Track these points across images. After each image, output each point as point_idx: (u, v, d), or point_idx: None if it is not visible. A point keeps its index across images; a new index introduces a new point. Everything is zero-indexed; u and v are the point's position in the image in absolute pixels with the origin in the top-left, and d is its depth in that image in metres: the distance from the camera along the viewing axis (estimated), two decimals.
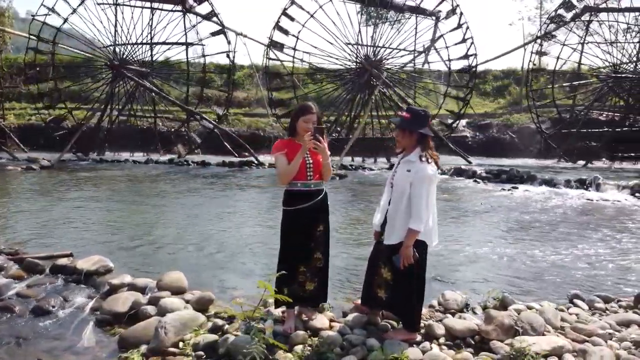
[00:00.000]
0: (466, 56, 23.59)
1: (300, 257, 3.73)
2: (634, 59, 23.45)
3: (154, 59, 26.00)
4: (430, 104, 26.14)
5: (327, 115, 27.02)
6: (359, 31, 23.58)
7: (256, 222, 8.98)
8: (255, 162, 20.56)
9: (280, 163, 3.65)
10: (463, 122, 28.60)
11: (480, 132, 28.92)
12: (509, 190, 14.34)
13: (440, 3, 23.62)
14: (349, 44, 23.01)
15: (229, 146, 24.15)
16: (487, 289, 4.71)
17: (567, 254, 6.87)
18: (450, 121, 25.17)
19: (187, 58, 26.30)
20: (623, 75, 23.30)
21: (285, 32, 23.16)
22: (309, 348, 3.46)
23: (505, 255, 6.74)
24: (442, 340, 3.65)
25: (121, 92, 25.82)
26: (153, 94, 24.81)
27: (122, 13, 25.19)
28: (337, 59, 23.37)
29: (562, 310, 4.18)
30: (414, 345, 3.52)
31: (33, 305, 4.37)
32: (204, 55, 26.25)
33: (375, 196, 12.96)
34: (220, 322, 3.83)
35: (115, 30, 24.08)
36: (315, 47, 23.23)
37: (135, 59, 25.09)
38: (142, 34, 25.14)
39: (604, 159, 24.34)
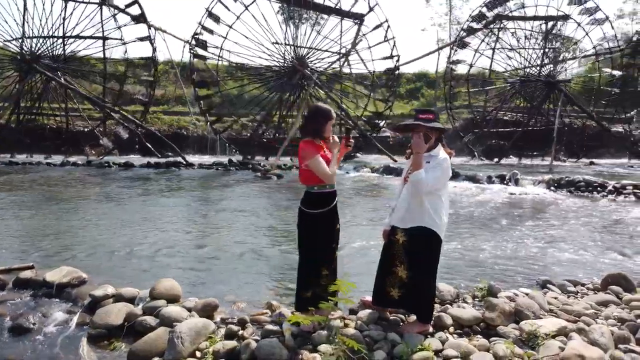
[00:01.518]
0: (390, 56, 24.55)
1: (325, 259, 3.75)
2: (537, 63, 25.86)
3: (66, 53, 24.05)
4: (354, 105, 26.87)
5: (254, 115, 26.80)
6: (286, 31, 23.63)
7: (199, 225, 8.70)
8: (184, 162, 19.82)
9: (322, 164, 3.62)
10: (383, 122, 29.69)
11: (400, 133, 30.16)
12: None
13: (356, 4, 24.19)
14: (278, 43, 22.98)
15: (150, 146, 23.06)
16: (452, 281, 5.02)
17: (511, 244, 7.46)
18: (378, 122, 26.13)
19: (105, 53, 24.68)
20: (530, 79, 25.58)
21: (211, 32, 22.61)
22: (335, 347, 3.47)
23: (457, 248, 7.14)
24: (451, 329, 3.84)
25: (26, 89, 23.60)
26: (68, 90, 22.96)
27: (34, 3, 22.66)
28: (266, 59, 23.26)
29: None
30: (429, 336, 3.67)
31: (9, 323, 3.95)
32: (126, 57, 24.73)
33: None
34: (235, 327, 3.72)
35: (24, 23, 21.97)
36: (250, 39, 22.89)
37: (47, 53, 23.06)
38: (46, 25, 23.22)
39: (511, 156, 26.57)
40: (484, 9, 24.25)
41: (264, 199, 12.43)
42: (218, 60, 23.77)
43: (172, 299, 4.26)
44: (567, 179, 15.29)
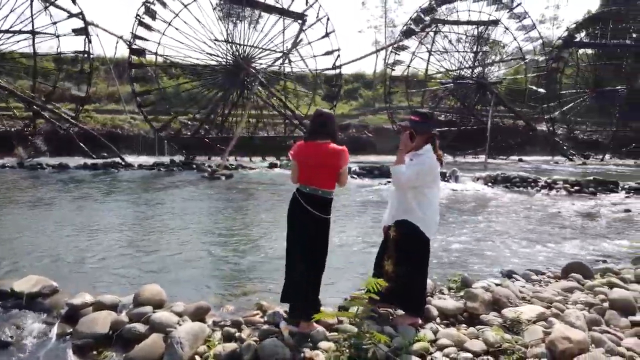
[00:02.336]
0: (331, 51, 24.86)
1: None
2: (469, 65, 27.32)
3: None
4: (299, 104, 27.00)
5: (193, 113, 26.15)
6: (227, 28, 23.23)
7: (155, 229, 8.46)
8: (123, 163, 18.97)
9: None
10: None
11: (341, 132, 30.73)
12: (385, 184, 15.65)
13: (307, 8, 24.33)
14: (220, 40, 22.55)
15: (84, 147, 21.88)
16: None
17: (464, 237, 7.91)
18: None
19: (34, 48, 23.04)
20: (464, 81, 26.94)
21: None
22: (336, 344, 3.55)
23: None
24: (438, 320, 4.04)
25: None
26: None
27: None
28: (209, 54, 22.69)
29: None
30: (419, 328, 3.85)
31: None
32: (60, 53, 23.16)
33: (268, 193, 13.06)
34: (232, 330, 3.71)
35: None
36: (201, 23, 22.09)
37: None
38: None
39: (446, 155, 27.81)
40: (434, 2, 25.12)
41: (217, 200, 12.22)
42: (157, 49, 22.77)
43: (158, 305, 4.14)
44: (502, 175, 16.30)
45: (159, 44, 22.04)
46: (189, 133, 25.01)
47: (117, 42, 22.91)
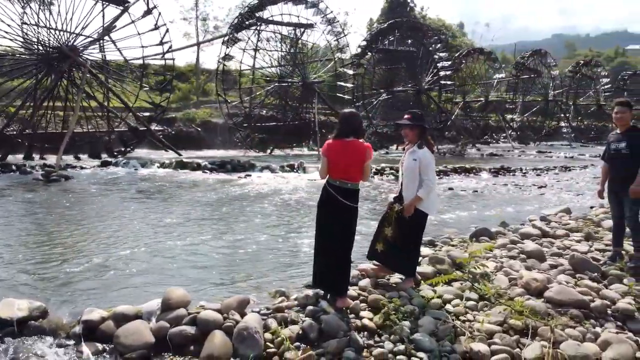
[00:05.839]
0: (161, 43, 23.80)
1: None
2: (290, 65, 29.15)
3: None
4: (128, 95, 25.06)
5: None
6: (38, 11, 20.13)
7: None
8: None
9: None
10: (146, 114, 28.38)
11: (168, 126, 29.43)
12: (245, 177, 16.07)
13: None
14: (32, 24, 19.44)
15: None
16: None
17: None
18: (152, 114, 25.06)
19: None
20: (288, 80, 28.56)
21: None
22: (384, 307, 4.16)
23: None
24: (422, 282, 4.95)
25: None
26: None
27: None
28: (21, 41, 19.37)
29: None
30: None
31: None
32: None
33: (131, 193, 12.24)
34: (286, 314, 4.01)
35: None
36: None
37: None
38: None
39: (272, 148, 29.15)
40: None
41: (75, 205, 10.98)
42: None
43: (185, 306, 4.12)
44: None
45: None
46: None
47: None
